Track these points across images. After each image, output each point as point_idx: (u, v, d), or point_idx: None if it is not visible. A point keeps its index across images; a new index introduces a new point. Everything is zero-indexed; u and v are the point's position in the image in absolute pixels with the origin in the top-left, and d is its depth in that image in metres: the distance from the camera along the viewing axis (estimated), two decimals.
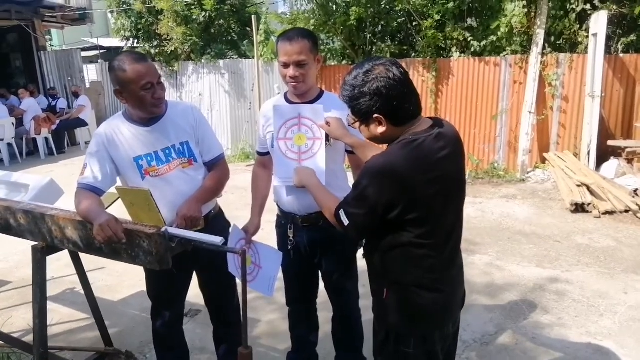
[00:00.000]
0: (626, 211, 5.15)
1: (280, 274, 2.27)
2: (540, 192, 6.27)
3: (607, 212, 5.18)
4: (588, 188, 5.64)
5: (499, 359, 2.76)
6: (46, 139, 9.84)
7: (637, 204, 5.10)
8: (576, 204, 5.35)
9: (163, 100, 1.98)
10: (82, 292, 3.70)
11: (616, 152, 6.56)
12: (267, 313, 3.33)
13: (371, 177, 1.50)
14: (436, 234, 1.56)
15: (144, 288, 3.71)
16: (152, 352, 2.91)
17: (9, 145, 9.29)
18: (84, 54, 13.28)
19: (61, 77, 11.58)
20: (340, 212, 1.59)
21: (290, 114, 2.08)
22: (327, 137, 2.06)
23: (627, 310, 3.26)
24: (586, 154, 6.58)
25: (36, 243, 2.10)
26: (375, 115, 1.52)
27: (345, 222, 1.57)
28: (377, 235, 1.60)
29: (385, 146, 1.61)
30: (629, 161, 6.37)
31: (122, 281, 3.96)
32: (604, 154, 6.60)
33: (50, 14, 11.27)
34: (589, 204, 5.32)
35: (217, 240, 1.69)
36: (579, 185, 5.71)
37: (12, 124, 9.30)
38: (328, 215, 1.72)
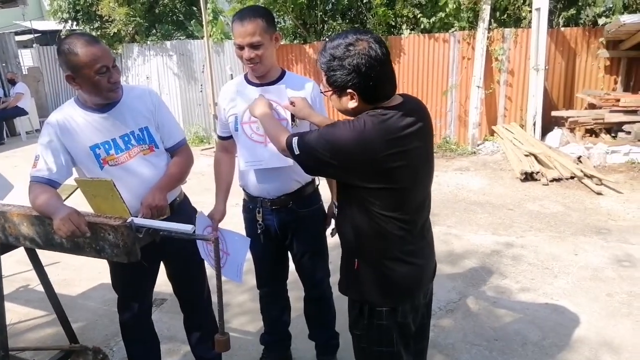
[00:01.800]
0: (572, 177, 5.45)
1: (249, 256, 2.25)
2: (491, 163, 6.51)
3: (554, 180, 5.46)
4: (536, 157, 5.90)
5: (465, 324, 2.88)
6: None
7: (581, 171, 5.40)
8: (525, 173, 5.59)
9: (119, 84, 1.88)
10: (37, 289, 3.59)
11: (559, 122, 6.89)
12: (236, 295, 3.31)
13: (338, 132, 1.51)
14: (405, 208, 1.58)
15: (104, 280, 3.63)
16: (118, 344, 2.84)
17: None
18: (17, 38, 12.42)
19: None
20: (294, 139, 1.60)
21: (252, 96, 2.04)
22: (293, 117, 2.04)
23: (578, 271, 3.47)
24: (532, 125, 6.87)
25: None
26: (349, 90, 1.50)
27: (297, 151, 1.58)
28: (346, 204, 1.63)
29: None
30: (572, 130, 6.71)
31: (79, 274, 3.82)
32: (548, 124, 6.92)
33: None
34: (537, 172, 5.58)
35: (188, 228, 1.64)
36: (527, 155, 5.97)
37: None
38: (277, 143, 1.72)
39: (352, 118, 1.55)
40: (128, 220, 1.63)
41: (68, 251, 1.77)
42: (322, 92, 1.66)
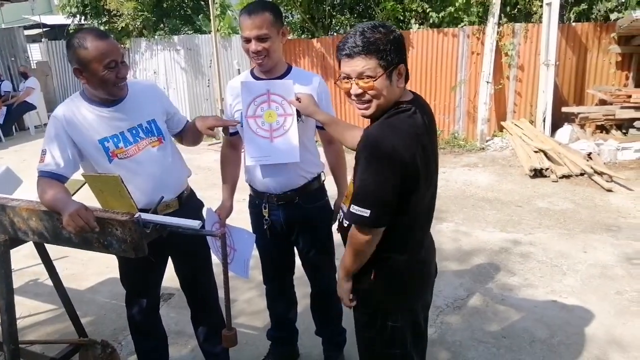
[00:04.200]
0: (581, 174, 5.39)
1: (256, 252, 2.25)
2: (500, 160, 6.46)
3: (564, 176, 5.41)
4: (545, 154, 5.85)
5: (472, 321, 2.87)
6: None
7: (591, 167, 5.34)
8: (535, 170, 5.55)
9: (125, 80, 1.88)
10: (46, 282, 3.61)
11: (570, 118, 6.82)
12: (244, 291, 3.31)
13: (377, 161, 1.42)
14: (422, 207, 1.56)
15: (112, 275, 3.65)
16: (126, 338, 2.86)
17: None
18: (26, 32, 12.48)
19: (3, 58, 10.89)
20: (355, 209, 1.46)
21: (258, 91, 2.03)
22: (299, 113, 2.03)
23: (587, 268, 3.44)
24: (542, 121, 6.80)
25: None
26: (401, 65, 1.47)
27: (366, 213, 1.43)
28: None
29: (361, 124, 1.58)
30: (582, 126, 6.64)
31: (87, 269, 3.84)
32: (558, 120, 6.85)
33: None
34: (547, 168, 5.53)
35: (195, 224, 1.64)
36: (536, 152, 5.92)
37: None
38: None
39: (353, 127, 1.52)
40: (135, 216, 1.63)
41: (76, 246, 1.77)
42: (367, 77, 1.45)
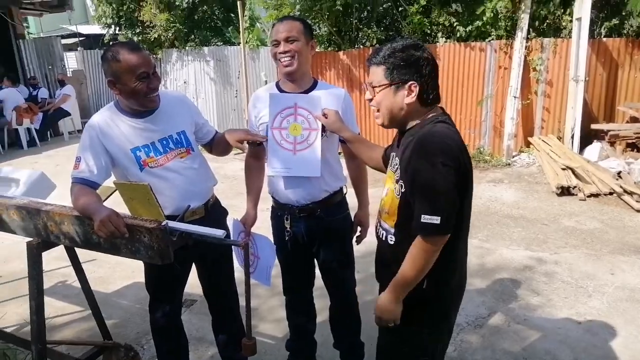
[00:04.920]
0: (610, 193, 5.27)
1: (277, 262, 2.28)
2: (526, 176, 6.36)
3: (592, 195, 5.29)
4: (573, 171, 5.74)
5: (493, 340, 2.83)
6: (28, 129, 9.64)
7: (620, 186, 5.22)
8: (562, 187, 5.44)
9: (157, 91, 1.96)
10: (74, 284, 3.71)
11: (599, 135, 6.68)
12: (265, 300, 3.35)
13: (437, 162, 1.43)
14: (467, 215, 1.58)
15: (137, 279, 3.74)
16: (149, 343, 2.92)
17: None
18: (62, 41, 12.96)
19: (41, 65, 11.30)
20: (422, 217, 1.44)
21: (286, 103, 2.07)
22: (324, 128, 2.06)
23: (614, 291, 3.35)
24: (570, 138, 6.68)
25: (30, 239, 2.06)
26: (411, 83, 1.51)
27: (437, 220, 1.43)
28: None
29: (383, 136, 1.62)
30: (612, 144, 6.49)
31: (114, 273, 3.94)
32: (587, 138, 6.71)
33: (27, 1, 10.95)
34: (574, 187, 5.42)
35: (220, 233, 1.68)
36: (564, 169, 5.81)
37: None
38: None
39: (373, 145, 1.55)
40: (163, 224, 1.68)
41: (105, 251, 1.83)
42: (372, 87, 1.57)
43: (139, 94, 1.89)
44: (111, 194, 2.14)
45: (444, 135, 1.48)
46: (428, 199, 1.44)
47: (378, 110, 1.59)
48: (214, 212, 2.17)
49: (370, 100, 1.60)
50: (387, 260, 1.64)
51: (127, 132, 1.96)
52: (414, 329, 1.61)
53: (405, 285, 1.53)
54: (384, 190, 1.69)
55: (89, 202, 1.78)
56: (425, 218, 1.43)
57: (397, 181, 1.57)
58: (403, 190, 1.53)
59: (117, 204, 1.93)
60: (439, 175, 1.41)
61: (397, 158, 1.60)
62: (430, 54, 1.53)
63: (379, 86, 1.54)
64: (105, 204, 1.90)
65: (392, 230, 1.62)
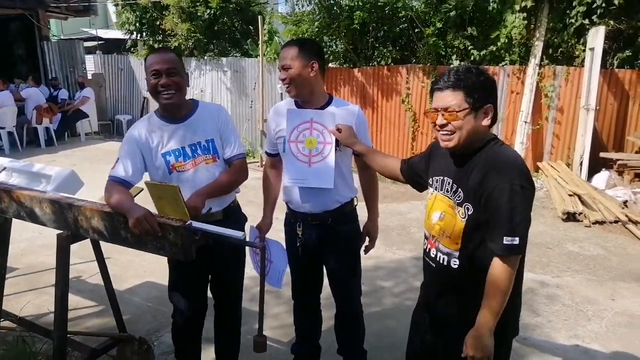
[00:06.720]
0: (615, 222, 5.33)
1: (287, 268, 2.40)
2: (534, 200, 6.42)
3: (597, 222, 5.36)
4: (580, 198, 5.81)
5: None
6: (46, 128, 9.88)
7: (626, 215, 5.28)
8: (568, 213, 5.51)
9: (169, 91, 2.05)
10: (88, 280, 3.84)
11: (608, 164, 6.74)
12: (273, 306, 3.45)
13: (524, 186, 1.52)
14: None
15: (149, 278, 3.86)
16: (159, 339, 3.04)
17: (9, 133, 9.31)
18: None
19: (63, 67, 11.60)
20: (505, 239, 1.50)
21: (303, 118, 2.20)
22: (337, 142, 2.19)
23: (614, 316, 3.42)
24: (579, 165, 6.75)
25: (60, 231, 2.20)
26: (488, 105, 1.58)
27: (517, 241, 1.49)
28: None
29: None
30: (620, 173, 6.55)
31: (127, 271, 4.06)
32: (595, 165, 6.77)
33: (54, 4, 11.30)
34: (580, 213, 5.49)
35: (239, 234, 1.81)
36: (571, 195, 5.88)
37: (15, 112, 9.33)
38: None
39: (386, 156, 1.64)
40: (187, 223, 1.81)
41: (131, 245, 1.96)
42: (449, 111, 1.58)
43: (153, 91, 2.07)
44: (139, 193, 2.28)
45: (516, 157, 1.58)
46: (509, 221, 1.48)
47: (452, 133, 1.59)
48: (232, 217, 2.29)
49: (444, 125, 1.59)
50: (451, 284, 1.68)
51: (161, 137, 2.12)
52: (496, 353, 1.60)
53: (497, 313, 1.52)
54: (433, 215, 1.72)
55: (123, 200, 1.92)
56: (507, 240, 1.48)
57: (458, 204, 1.61)
58: (470, 212, 1.57)
59: (143, 202, 2.06)
60: (518, 197, 1.48)
61: (449, 180, 1.66)
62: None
63: (460, 110, 1.55)
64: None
65: (456, 254, 1.64)
